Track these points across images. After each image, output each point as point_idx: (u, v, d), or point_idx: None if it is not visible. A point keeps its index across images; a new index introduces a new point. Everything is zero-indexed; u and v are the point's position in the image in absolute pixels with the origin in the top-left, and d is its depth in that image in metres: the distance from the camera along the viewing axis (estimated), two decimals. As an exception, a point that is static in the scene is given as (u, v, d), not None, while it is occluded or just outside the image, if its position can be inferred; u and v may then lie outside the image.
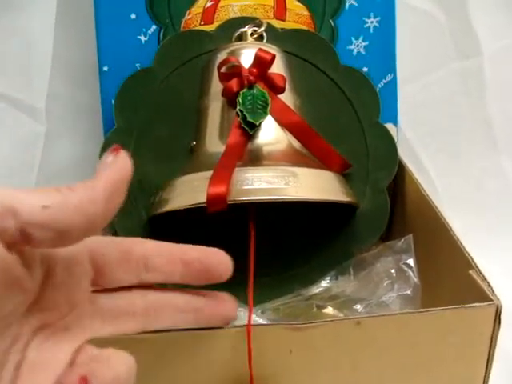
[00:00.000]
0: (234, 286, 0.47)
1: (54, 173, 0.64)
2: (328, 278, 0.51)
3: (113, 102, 0.57)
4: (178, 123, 0.54)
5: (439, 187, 0.66)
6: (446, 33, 0.65)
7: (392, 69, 0.59)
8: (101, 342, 0.30)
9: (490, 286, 0.38)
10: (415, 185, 0.53)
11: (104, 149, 0.53)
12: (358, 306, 0.45)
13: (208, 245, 0.47)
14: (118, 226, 0.52)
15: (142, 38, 0.58)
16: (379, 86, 0.59)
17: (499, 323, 0.37)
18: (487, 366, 0.38)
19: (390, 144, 0.55)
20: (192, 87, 0.53)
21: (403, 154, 0.59)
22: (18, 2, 0.61)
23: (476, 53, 0.65)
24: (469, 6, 0.63)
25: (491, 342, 0.37)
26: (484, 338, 0.37)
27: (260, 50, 0.50)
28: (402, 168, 0.56)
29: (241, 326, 0.36)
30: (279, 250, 0.53)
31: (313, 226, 0.54)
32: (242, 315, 0.47)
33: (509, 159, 0.65)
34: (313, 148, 0.50)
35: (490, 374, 0.39)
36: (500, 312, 0.36)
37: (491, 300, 0.36)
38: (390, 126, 0.58)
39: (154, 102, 0.54)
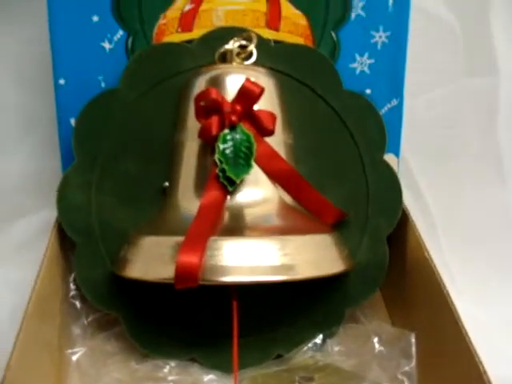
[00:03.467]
0: (212, 346, 0.43)
1: (4, 197, 0.57)
2: (314, 341, 0.46)
3: (71, 121, 0.49)
4: (147, 158, 0.47)
5: (438, 222, 0.60)
6: (461, 45, 0.57)
7: (399, 93, 0.51)
8: None
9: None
10: (417, 239, 0.47)
11: (62, 186, 0.46)
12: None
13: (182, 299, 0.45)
14: (79, 278, 0.46)
15: (106, 46, 0.49)
16: (383, 111, 0.51)
17: None
18: None
19: (394, 187, 0.48)
20: (165, 114, 0.46)
21: (404, 185, 0.52)
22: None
23: (492, 71, 0.58)
24: (490, 20, 0.55)
25: None
26: None
27: (248, 81, 0.42)
28: (404, 215, 0.49)
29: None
30: (264, 310, 0.47)
31: (300, 283, 0.47)
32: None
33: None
34: (305, 202, 0.44)
35: None
36: None
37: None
38: (391, 157, 0.52)
39: (121, 132, 0.47)
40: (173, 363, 0.45)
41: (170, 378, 0.44)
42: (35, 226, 0.58)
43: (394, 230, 0.48)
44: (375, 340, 0.42)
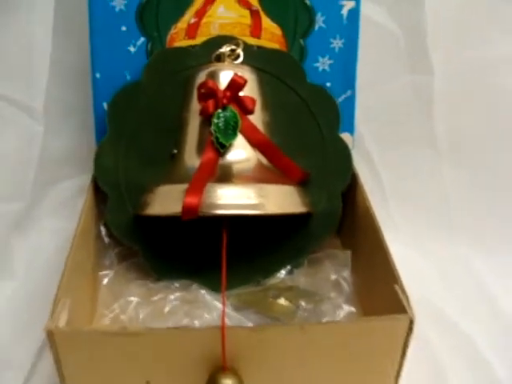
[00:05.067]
0: (210, 271, 0.57)
1: (50, 167, 0.72)
2: (285, 271, 0.61)
3: (104, 105, 0.65)
4: (161, 131, 0.61)
5: (388, 188, 0.75)
6: (403, 49, 0.72)
7: (352, 86, 0.67)
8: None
9: (407, 299, 0.47)
10: (364, 194, 0.62)
11: (98, 153, 0.62)
12: (303, 303, 0.55)
13: (186, 236, 0.59)
14: (109, 222, 0.61)
15: (131, 49, 0.65)
16: (340, 99, 0.66)
17: (411, 331, 0.47)
18: (401, 362, 0.49)
19: (346, 156, 0.63)
20: (175, 100, 0.61)
21: (358, 158, 0.68)
22: (19, 11, 0.67)
23: (428, 70, 0.72)
24: (426, 29, 0.70)
25: (405, 344, 0.47)
26: (399, 341, 0.47)
27: (235, 75, 0.57)
28: (355, 177, 0.64)
29: (216, 327, 0.45)
30: (246, 245, 0.62)
31: (275, 226, 0.62)
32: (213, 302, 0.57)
33: (448, 165, 0.74)
34: (277, 163, 0.58)
35: (402, 367, 0.49)
36: (413, 322, 0.46)
37: (407, 313, 0.46)
38: (346, 136, 0.67)
39: (141, 112, 0.62)
40: (177, 284, 0.59)
41: (176, 294, 0.58)
42: (74, 187, 0.74)
43: (347, 188, 0.63)
44: (328, 263, 0.57)
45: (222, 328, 0.45)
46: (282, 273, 0.61)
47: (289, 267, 0.62)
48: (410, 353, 0.48)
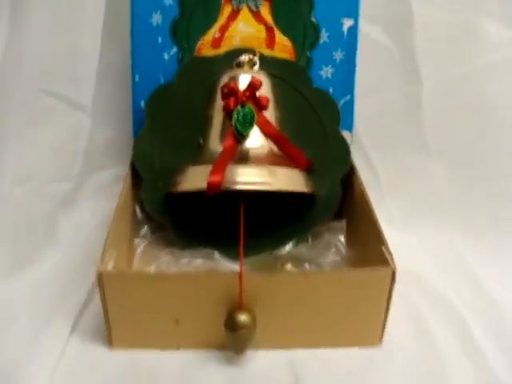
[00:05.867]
0: (228, 243, 0.68)
1: (94, 156, 0.85)
2: (291, 243, 0.72)
3: (142, 103, 0.77)
4: (190, 126, 0.72)
5: (381, 181, 0.86)
6: (398, 61, 0.85)
7: (351, 91, 0.79)
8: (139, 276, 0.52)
9: (392, 257, 0.58)
10: (359, 179, 0.74)
11: (137, 142, 0.74)
12: (307, 265, 0.66)
13: (208, 212, 0.70)
14: (144, 198, 0.72)
15: (166, 56, 0.77)
16: (341, 102, 0.78)
17: (394, 280, 0.57)
18: (387, 308, 0.60)
19: (345, 149, 0.75)
20: (202, 99, 0.72)
21: (356, 152, 0.79)
22: (70, 16, 0.80)
23: (417, 80, 0.84)
24: (416, 43, 0.83)
25: (389, 292, 0.58)
26: (385, 289, 0.58)
27: (253, 77, 0.69)
28: (352, 168, 0.76)
29: (235, 272, 0.57)
30: (260, 222, 0.72)
31: (284, 206, 0.73)
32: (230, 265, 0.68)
33: (436, 162, 0.86)
34: (286, 152, 0.69)
35: (388, 314, 0.60)
36: (395, 273, 0.57)
37: (389, 265, 0.57)
38: (346, 133, 0.77)
39: (173, 108, 0.74)
40: (201, 253, 0.70)
41: (199, 261, 0.69)
42: (112, 176, 0.85)
43: (346, 177, 0.74)
44: (326, 232, 0.69)
45: (240, 272, 0.56)
46: (289, 245, 0.72)
47: (295, 241, 0.73)
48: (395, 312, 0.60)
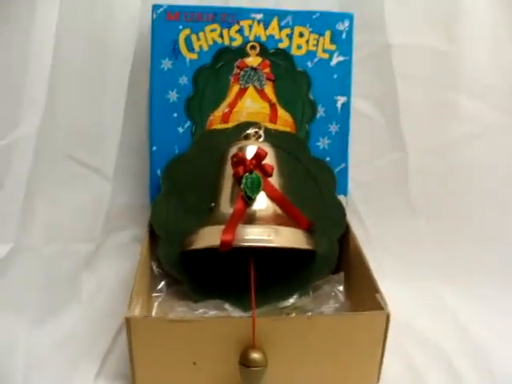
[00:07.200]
0: (238, 296, 0.76)
1: (114, 219, 0.93)
2: (295, 296, 0.79)
3: (158, 171, 0.86)
4: (202, 191, 0.80)
5: (373, 239, 0.95)
6: (386, 133, 0.95)
7: (345, 160, 0.89)
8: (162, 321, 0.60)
9: (385, 302, 0.66)
10: (354, 237, 0.82)
11: (154, 206, 0.82)
12: (309, 313, 0.74)
13: (219, 268, 0.77)
14: (161, 257, 0.80)
15: (180, 130, 0.87)
16: (336, 170, 0.87)
17: (388, 323, 0.65)
18: (383, 349, 0.67)
19: (341, 211, 0.83)
20: (213, 167, 0.81)
21: (350, 214, 0.88)
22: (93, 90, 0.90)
23: (401, 147, 0.95)
24: (401, 117, 0.94)
25: (385, 334, 0.66)
26: (380, 331, 0.66)
27: (259, 148, 0.78)
28: (348, 227, 0.84)
29: (248, 317, 0.65)
30: (266, 277, 0.78)
31: (287, 263, 0.81)
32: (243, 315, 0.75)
33: (422, 222, 0.96)
34: (289, 213, 0.77)
35: (384, 354, 0.67)
36: (389, 317, 0.65)
37: (383, 309, 0.65)
38: (342, 197, 0.86)
39: (188, 177, 0.82)
40: (213, 305, 0.77)
41: (212, 312, 0.75)
42: (130, 236, 0.94)
43: (342, 235, 0.83)
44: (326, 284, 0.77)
45: (253, 317, 0.63)
46: (293, 297, 0.79)
47: (298, 294, 0.80)
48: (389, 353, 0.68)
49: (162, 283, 0.81)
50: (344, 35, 0.88)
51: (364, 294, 0.73)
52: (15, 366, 0.69)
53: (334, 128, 0.88)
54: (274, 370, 0.64)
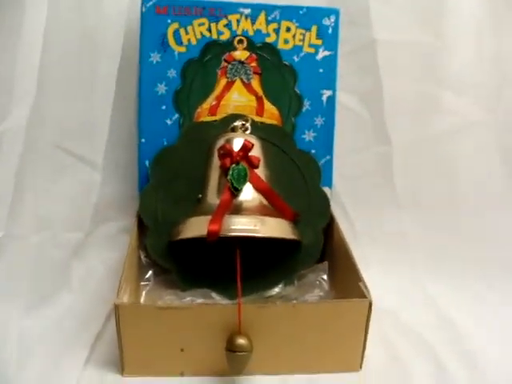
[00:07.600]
0: (224, 285, 0.77)
1: (102, 209, 0.94)
2: (280, 285, 0.81)
3: (146, 163, 0.87)
4: (190, 182, 0.82)
5: (358, 229, 0.98)
6: (370, 127, 0.97)
7: (330, 152, 0.91)
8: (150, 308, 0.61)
9: (368, 291, 0.68)
10: (338, 228, 0.84)
11: (143, 196, 0.83)
12: (294, 301, 0.76)
13: (206, 258, 0.79)
14: (149, 247, 0.81)
15: (168, 122, 0.88)
16: (321, 162, 0.89)
17: (371, 311, 0.67)
18: (365, 336, 0.69)
19: (326, 202, 0.85)
20: (201, 159, 0.82)
21: (335, 205, 0.90)
22: (84, 89, 0.91)
23: (386, 142, 0.97)
24: (386, 111, 0.96)
25: (367, 321, 0.68)
26: (363, 318, 0.68)
27: (246, 140, 0.80)
28: (332, 218, 0.86)
29: (234, 303, 0.67)
30: (252, 267, 0.79)
31: (273, 253, 0.82)
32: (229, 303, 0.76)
33: (406, 215, 0.98)
34: (275, 204, 0.79)
35: (366, 341, 0.69)
36: (371, 304, 0.67)
37: (366, 297, 0.67)
38: (326, 189, 0.88)
39: (175, 168, 0.84)
40: (200, 293, 0.78)
41: (199, 300, 0.77)
42: (118, 227, 0.95)
43: (326, 226, 0.85)
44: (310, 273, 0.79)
45: (239, 303, 0.65)
46: (279, 286, 0.81)
47: (283, 283, 0.82)
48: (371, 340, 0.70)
49: (150, 272, 0.83)
50: (330, 30, 0.89)
51: (348, 283, 0.75)
52: (7, 352, 0.71)
53: (319, 121, 0.90)
54: (259, 355, 0.66)
